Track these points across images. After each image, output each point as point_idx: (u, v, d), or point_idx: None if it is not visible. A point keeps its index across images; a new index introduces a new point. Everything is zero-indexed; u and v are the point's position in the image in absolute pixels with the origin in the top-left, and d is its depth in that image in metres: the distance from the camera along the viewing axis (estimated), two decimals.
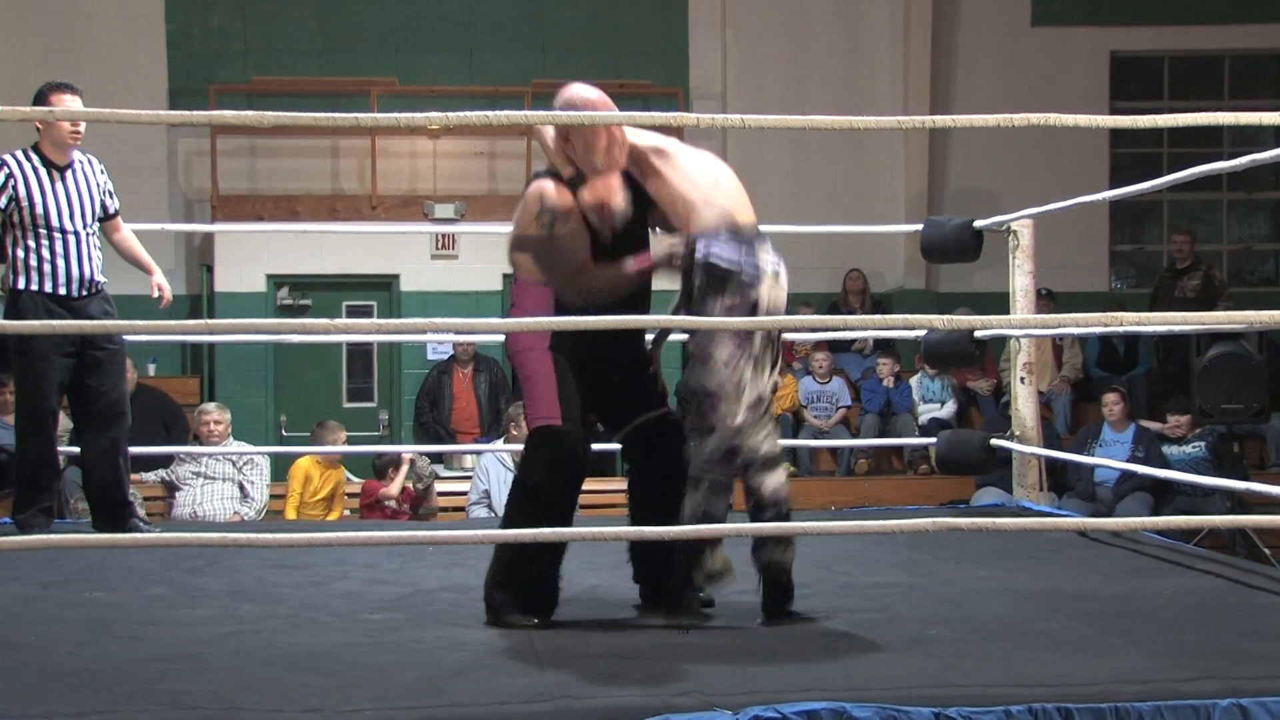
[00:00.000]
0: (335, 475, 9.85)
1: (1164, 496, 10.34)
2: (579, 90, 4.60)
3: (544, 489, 4.62)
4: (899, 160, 14.48)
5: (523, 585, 4.57)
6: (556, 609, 4.61)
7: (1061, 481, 10.61)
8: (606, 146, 4.47)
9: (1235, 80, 15.19)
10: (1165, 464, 10.10)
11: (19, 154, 6.34)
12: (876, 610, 4.75)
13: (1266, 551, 9.29)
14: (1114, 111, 14.33)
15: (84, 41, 13.73)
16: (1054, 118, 4.27)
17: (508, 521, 4.64)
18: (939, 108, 14.30)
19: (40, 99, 6.28)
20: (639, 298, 4.69)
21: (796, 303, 13.21)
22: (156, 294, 6.65)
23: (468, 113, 4.28)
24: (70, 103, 6.28)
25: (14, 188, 6.24)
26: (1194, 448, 10.69)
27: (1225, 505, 9.64)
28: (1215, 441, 10.68)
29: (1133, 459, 10.04)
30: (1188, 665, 3.89)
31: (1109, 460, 9.64)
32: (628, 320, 4.39)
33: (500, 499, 8.91)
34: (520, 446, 8.81)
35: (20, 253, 6.27)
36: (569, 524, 4.63)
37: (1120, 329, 7.27)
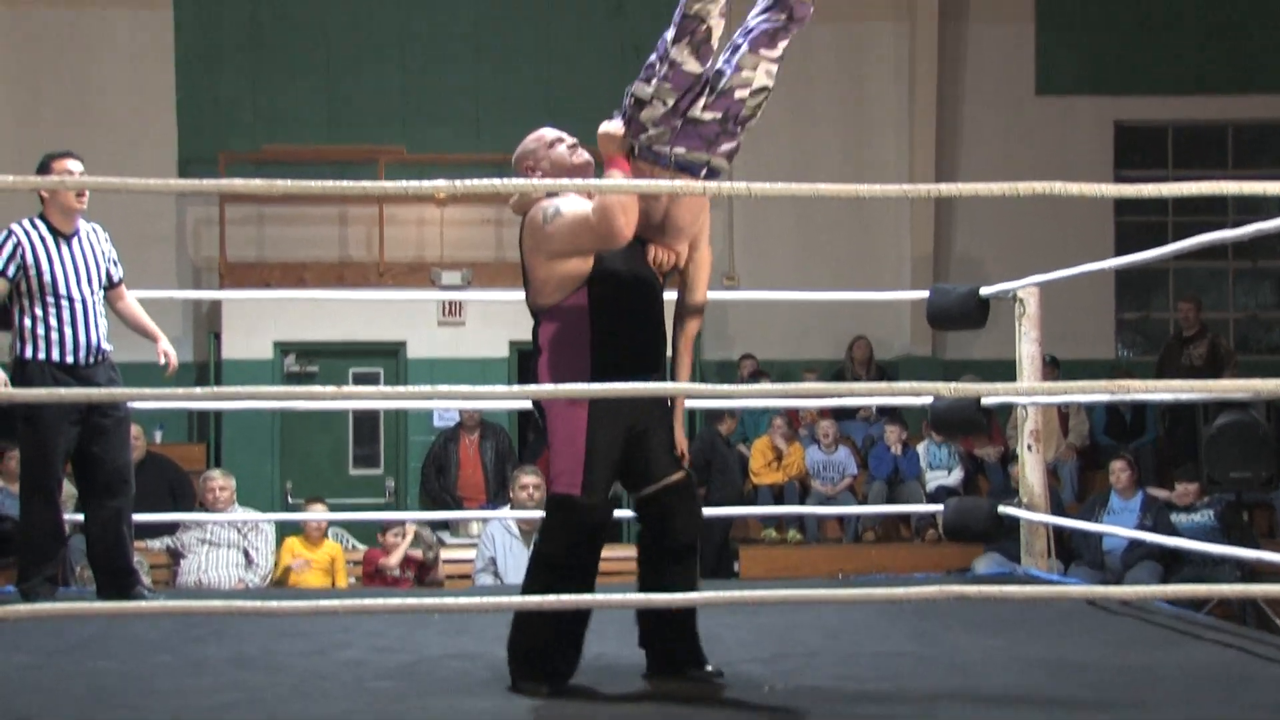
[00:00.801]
0: (328, 549, 9.82)
1: (1173, 565, 10.28)
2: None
3: (561, 558, 4.56)
4: (904, 227, 14.52)
5: (538, 652, 4.54)
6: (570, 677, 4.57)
7: (1069, 549, 10.55)
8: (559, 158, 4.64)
9: (1239, 150, 15.25)
10: (1174, 532, 10.05)
11: (25, 223, 6.36)
12: (885, 680, 4.72)
13: (1278, 622, 9.23)
14: (1119, 180, 14.37)
15: (95, 110, 13.84)
16: (1059, 186, 4.28)
17: (527, 588, 4.58)
18: (944, 175, 14.35)
19: (43, 168, 6.32)
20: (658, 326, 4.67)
21: (801, 369, 13.35)
22: (163, 361, 6.65)
23: (475, 181, 4.31)
24: (72, 167, 6.32)
25: (21, 256, 6.27)
26: (1202, 516, 10.63)
27: (1235, 574, 9.58)
28: (1224, 510, 10.63)
29: (1141, 527, 9.99)
30: None
31: (1117, 528, 9.59)
32: (640, 389, 4.36)
33: (506, 566, 8.87)
34: (525, 514, 8.86)
35: (27, 321, 6.29)
36: (590, 591, 4.58)
37: (1127, 397, 7.27)
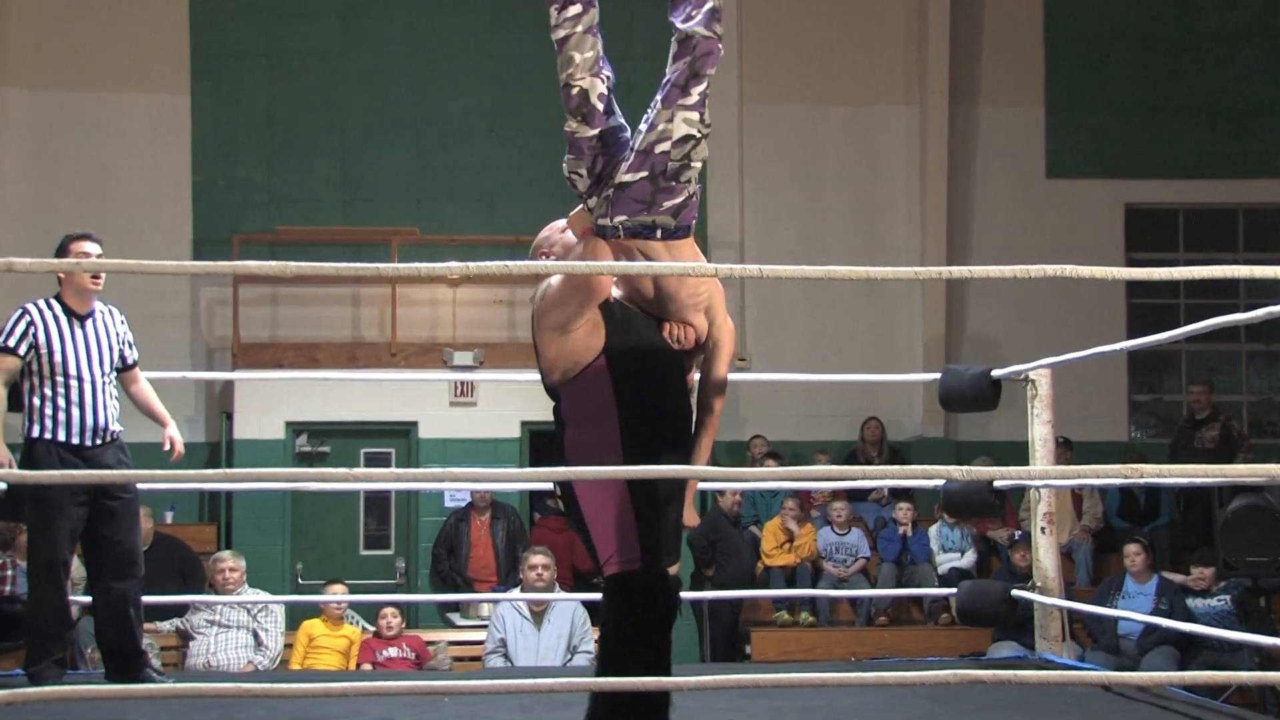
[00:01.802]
0: (348, 632, 9.79)
1: (1189, 650, 10.20)
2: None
3: (637, 642, 4.32)
4: (916, 308, 14.54)
5: None
6: None
7: (1084, 634, 10.48)
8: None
9: (1249, 233, 15.30)
10: (1190, 617, 9.99)
11: (40, 303, 6.40)
12: None
13: None
14: (1130, 263, 14.41)
15: (111, 192, 13.94)
16: (1071, 269, 4.29)
17: (609, 673, 4.29)
18: (956, 256, 14.39)
19: (61, 249, 6.37)
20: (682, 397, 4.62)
21: (814, 450, 13.33)
22: (167, 447, 6.66)
23: (488, 263, 4.32)
24: (90, 250, 6.36)
25: (34, 335, 6.30)
26: (1219, 601, 10.56)
27: (1253, 661, 9.50)
28: (1240, 595, 10.56)
29: (1156, 611, 9.93)
30: None
31: (1132, 613, 9.54)
32: (649, 471, 4.31)
33: (516, 649, 8.81)
34: (536, 596, 8.82)
35: (36, 400, 6.30)
36: (667, 674, 4.38)
37: (1141, 480, 7.24)
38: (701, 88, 4.46)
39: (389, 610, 9.96)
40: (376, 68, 14.49)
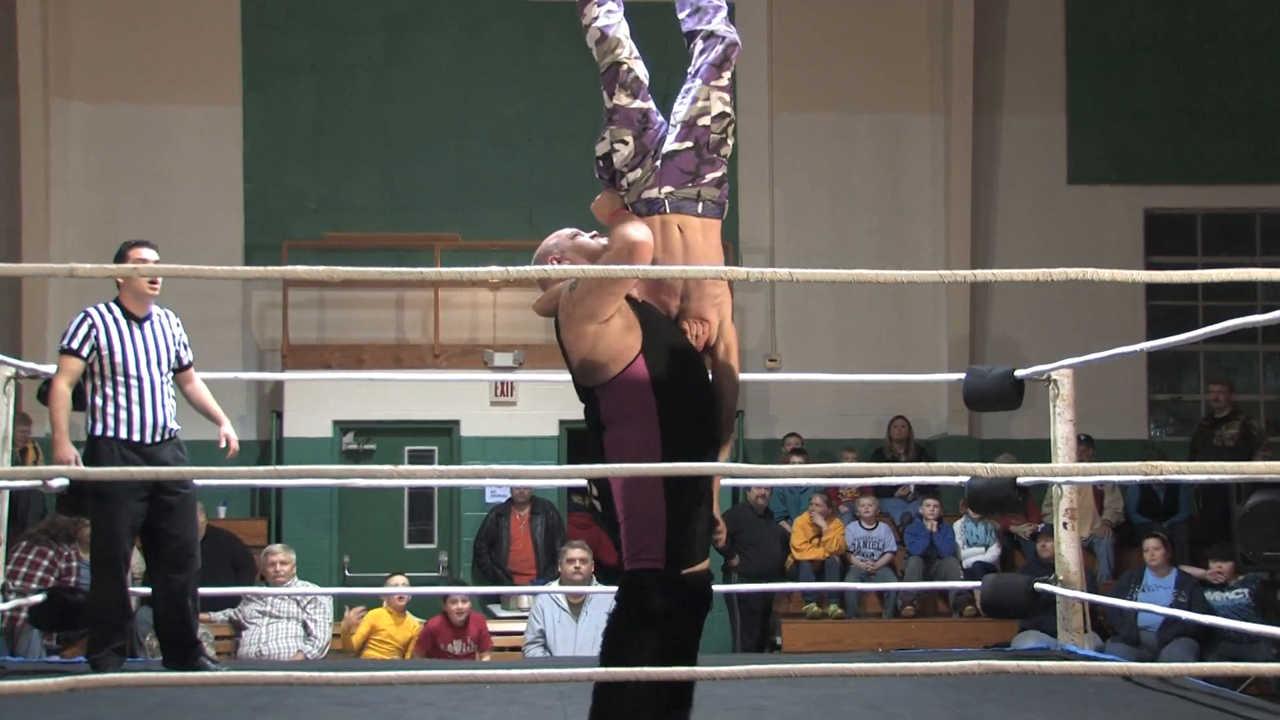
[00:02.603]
0: (410, 624, 9.80)
1: (1208, 642, 10.15)
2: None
3: (651, 636, 4.28)
4: (941, 310, 14.50)
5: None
6: None
7: (1105, 626, 10.44)
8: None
9: (1266, 237, 15.21)
10: (1208, 609, 9.94)
11: (101, 306, 6.45)
12: None
13: None
14: (1149, 266, 14.34)
15: (167, 201, 14.02)
16: (1091, 273, 4.27)
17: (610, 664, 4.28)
18: (979, 260, 14.36)
19: (120, 255, 6.43)
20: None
21: (841, 448, 13.31)
22: (223, 445, 6.70)
23: (527, 267, 4.32)
24: (147, 256, 6.41)
25: (95, 337, 6.35)
26: (1237, 594, 10.50)
27: (1270, 653, 9.44)
28: (1258, 588, 10.49)
29: (1175, 604, 9.89)
30: None
31: (1152, 605, 9.49)
32: (685, 468, 4.27)
33: (555, 639, 8.85)
34: (574, 589, 8.84)
35: (99, 400, 6.36)
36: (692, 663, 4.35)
37: (1161, 478, 7.21)
38: (729, 74, 4.62)
39: (459, 598, 9.93)
40: (420, 80, 14.54)
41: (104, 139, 14.21)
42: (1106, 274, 4.32)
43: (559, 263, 4.56)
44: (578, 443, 13.49)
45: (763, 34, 14.59)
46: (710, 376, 4.58)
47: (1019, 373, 7.14)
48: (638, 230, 4.31)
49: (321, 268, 4.35)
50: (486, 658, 9.65)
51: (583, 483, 7.97)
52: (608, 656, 4.32)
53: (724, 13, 4.70)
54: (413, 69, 14.54)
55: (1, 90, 13.90)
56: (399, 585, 9.74)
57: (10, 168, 13.92)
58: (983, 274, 4.52)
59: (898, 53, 14.74)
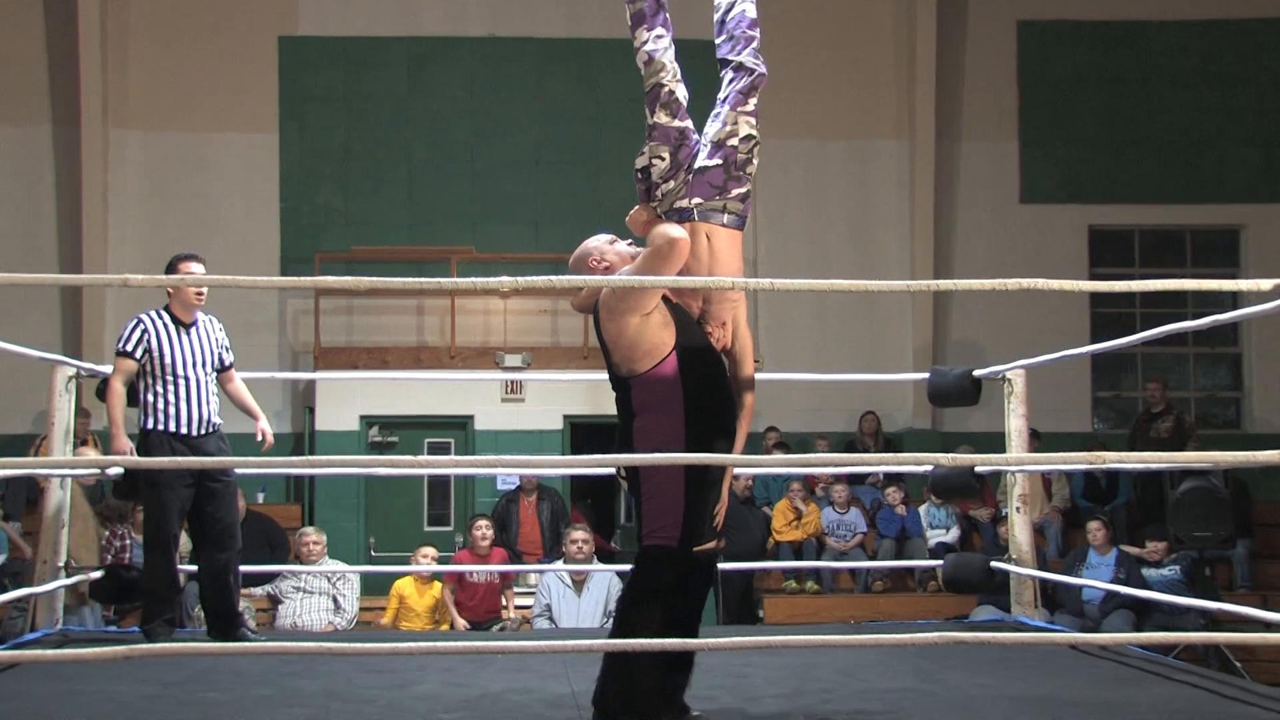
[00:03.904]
0: (435, 590, 9.80)
1: (1144, 614, 10.17)
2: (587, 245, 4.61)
3: (657, 608, 4.28)
4: (907, 317, 14.51)
5: (635, 695, 4.28)
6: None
7: (1053, 599, 10.45)
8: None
9: (1195, 250, 15.23)
10: (1145, 585, 9.96)
11: (152, 313, 6.46)
12: (891, 714, 4.67)
13: (1238, 665, 9.10)
14: (1093, 277, 14.36)
15: (211, 218, 14.03)
16: (1041, 283, 4.28)
17: (621, 634, 4.28)
18: (941, 271, 14.37)
19: (170, 267, 6.42)
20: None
21: (817, 440, 13.31)
22: (259, 439, 6.70)
23: (534, 277, 4.32)
24: (195, 269, 6.41)
25: (148, 341, 6.36)
26: (1170, 570, 10.53)
27: (1199, 623, 9.46)
28: (1189, 565, 10.53)
29: (1115, 580, 9.90)
30: None
31: (1095, 581, 9.51)
32: (693, 458, 4.22)
33: (560, 612, 8.84)
34: (576, 567, 8.83)
35: (150, 397, 6.36)
36: (691, 635, 4.36)
37: (1103, 466, 7.22)
38: (755, 101, 4.65)
39: (482, 523, 10.04)
40: (438, 109, 14.54)
41: (156, 163, 14.22)
42: (1055, 284, 4.33)
43: (599, 263, 4.53)
44: (580, 435, 13.50)
45: None
46: (727, 374, 4.56)
47: (977, 372, 7.14)
48: (677, 230, 4.30)
49: (349, 278, 4.36)
50: (508, 608, 9.72)
51: (589, 471, 7.95)
52: (621, 621, 4.34)
53: (754, 45, 4.72)
54: (431, 100, 14.54)
55: (66, 121, 14.00)
56: (428, 555, 9.82)
57: (73, 190, 13.96)
58: (944, 284, 4.53)
59: (867, 85, 14.75)
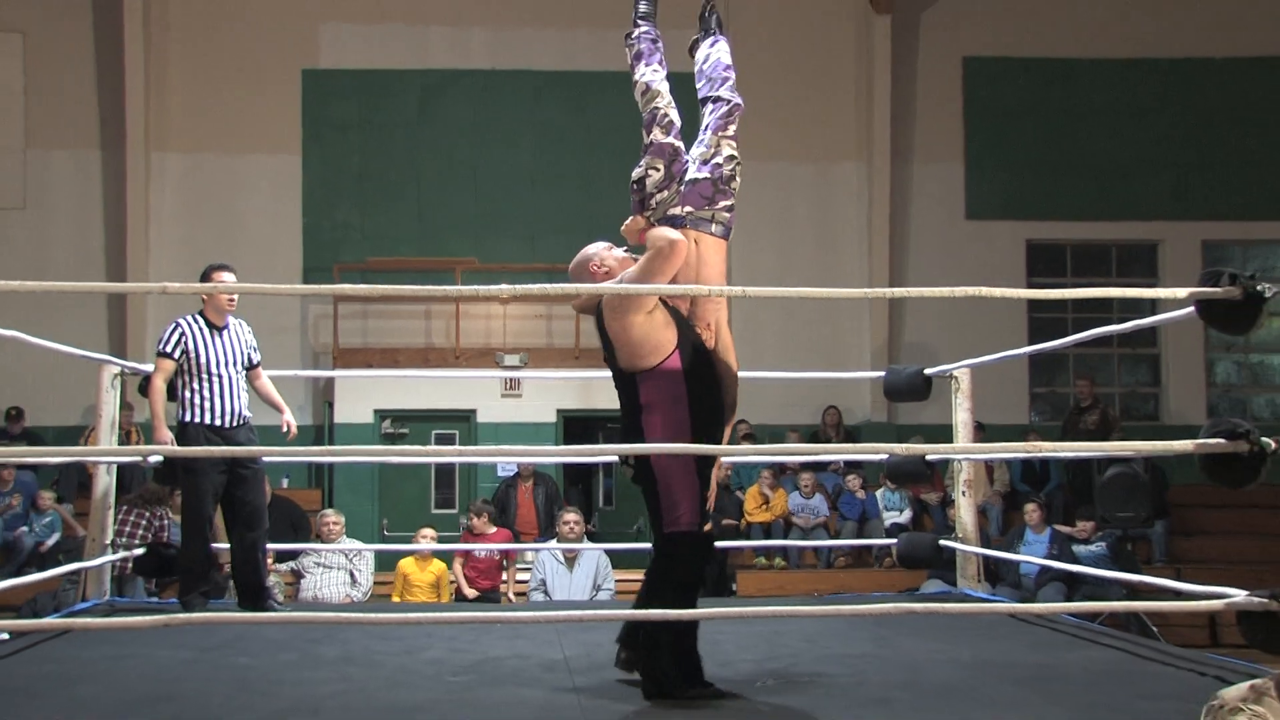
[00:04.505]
0: (434, 567, 9.81)
1: (1074, 585, 10.21)
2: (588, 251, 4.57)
3: (693, 582, 4.31)
4: (865, 321, 14.54)
5: (697, 665, 4.29)
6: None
7: (994, 573, 10.49)
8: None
9: (1120, 262, 15.29)
10: (1075, 560, 10.00)
11: (189, 317, 6.45)
12: (851, 676, 4.70)
13: (1155, 630, 9.15)
14: (1030, 286, 14.41)
15: (241, 231, 14.00)
16: (985, 291, 4.31)
17: (665, 606, 4.17)
18: (896, 280, 14.40)
19: (205, 276, 6.42)
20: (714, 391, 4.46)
21: (786, 431, 13.33)
22: (284, 430, 6.70)
23: (530, 285, 4.32)
24: (227, 278, 6.40)
25: (185, 343, 6.35)
26: (1097, 547, 10.57)
27: (1122, 593, 9.51)
28: (1113, 542, 10.58)
29: (1049, 556, 9.94)
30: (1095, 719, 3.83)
31: (1031, 557, 9.55)
32: (664, 449, 4.21)
33: (553, 586, 8.82)
34: (568, 545, 8.82)
35: (187, 393, 6.35)
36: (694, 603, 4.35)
37: (1038, 455, 7.25)
38: (735, 128, 4.73)
39: (480, 503, 10.03)
40: (445, 134, 14.53)
41: (192, 183, 14.20)
42: (997, 292, 4.36)
43: (600, 268, 4.49)
44: (573, 427, 13.51)
45: None
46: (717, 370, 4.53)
47: (928, 371, 7.16)
48: (675, 233, 4.31)
49: (365, 285, 4.36)
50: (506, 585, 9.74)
51: (583, 460, 7.91)
52: (650, 594, 4.29)
53: (730, 81, 4.81)
54: (439, 126, 14.53)
55: (113, 145, 14.03)
56: (428, 535, 9.86)
57: (118, 207, 13.97)
58: (899, 291, 4.55)
59: (830, 115, 14.78)
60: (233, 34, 14.31)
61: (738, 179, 4.65)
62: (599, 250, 4.56)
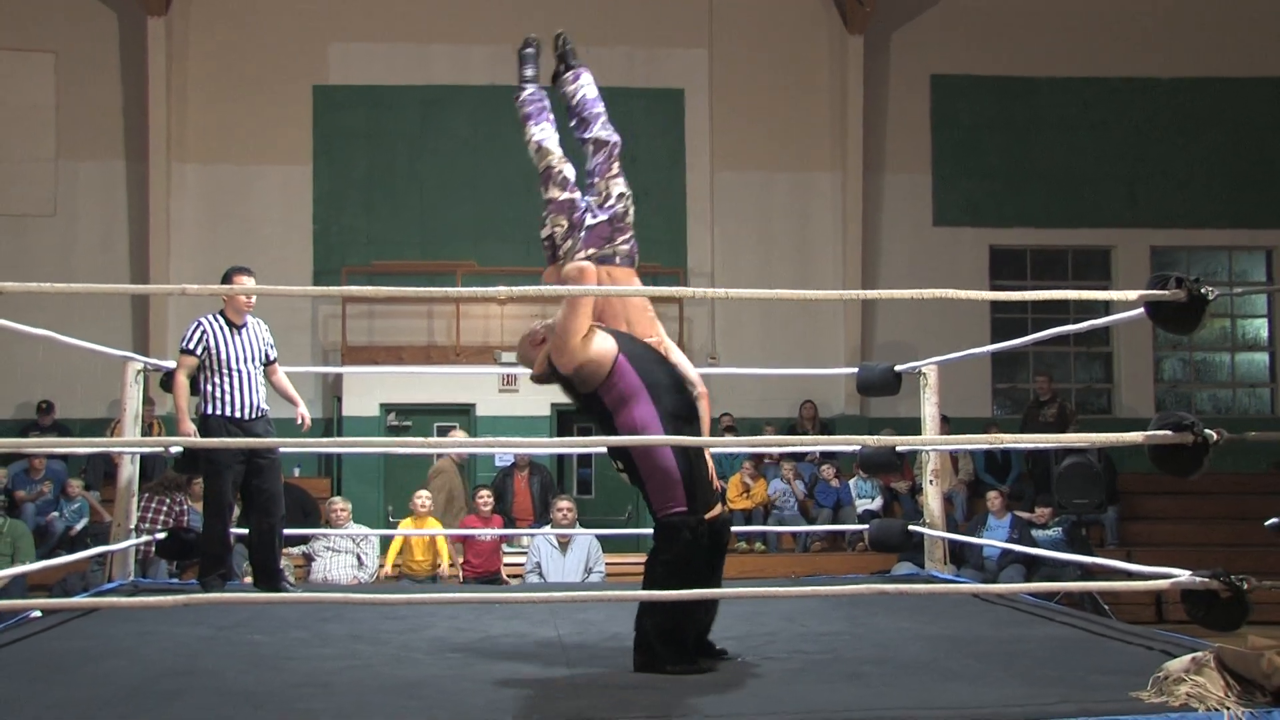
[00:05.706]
0: (432, 524, 9.74)
1: (1033, 567, 10.25)
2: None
3: (682, 566, 4.22)
4: (840, 321, 14.56)
5: (683, 642, 4.25)
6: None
7: (959, 556, 10.53)
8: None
9: (1076, 266, 15.34)
10: (1034, 544, 10.03)
11: (210, 316, 6.44)
12: (825, 652, 4.71)
13: (1107, 608, 9.19)
14: (992, 288, 14.45)
15: (255, 237, 13.98)
16: (951, 293, 4.31)
17: (656, 589, 4.15)
18: (868, 282, 14.42)
19: (226, 278, 6.41)
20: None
21: (764, 424, 13.34)
22: (299, 421, 6.69)
23: (526, 287, 4.31)
24: (247, 279, 6.40)
25: (206, 340, 6.35)
26: (1054, 531, 10.61)
27: (1077, 574, 9.54)
28: (1069, 527, 10.61)
29: (1010, 540, 9.97)
30: (1052, 692, 3.84)
31: (993, 541, 9.57)
32: (670, 440, 4.18)
33: (548, 569, 8.83)
34: (561, 531, 8.83)
35: (208, 387, 6.34)
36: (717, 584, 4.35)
37: (1000, 446, 7.27)
38: (619, 165, 4.81)
39: (484, 493, 9.99)
40: (446, 145, 14.52)
41: (209, 191, 14.18)
42: (963, 294, 4.36)
43: (535, 339, 4.48)
44: (566, 421, 13.49)
45: (705, 113, 14.65)
46: (670, 363, 4.54)
47: (898, 368, 7.17)
48: (580, 261, 4.48)
49: (371, 287, 4.36)
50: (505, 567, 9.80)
51: (573, 451, 7.90)
52: (650, 581, 4.28)
53: (603, 119, 4.91)
54: (441, 137, 14.52)
55: (136, 156, 14.04)
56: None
57: (141, 215, 13.96)
58: (871, 293, 4.59)
59: (806, 128, 14.79)
60: (248, 53, 14.29)
61: (631, 211, 4.75)
62: (529, 328, 4.60)
